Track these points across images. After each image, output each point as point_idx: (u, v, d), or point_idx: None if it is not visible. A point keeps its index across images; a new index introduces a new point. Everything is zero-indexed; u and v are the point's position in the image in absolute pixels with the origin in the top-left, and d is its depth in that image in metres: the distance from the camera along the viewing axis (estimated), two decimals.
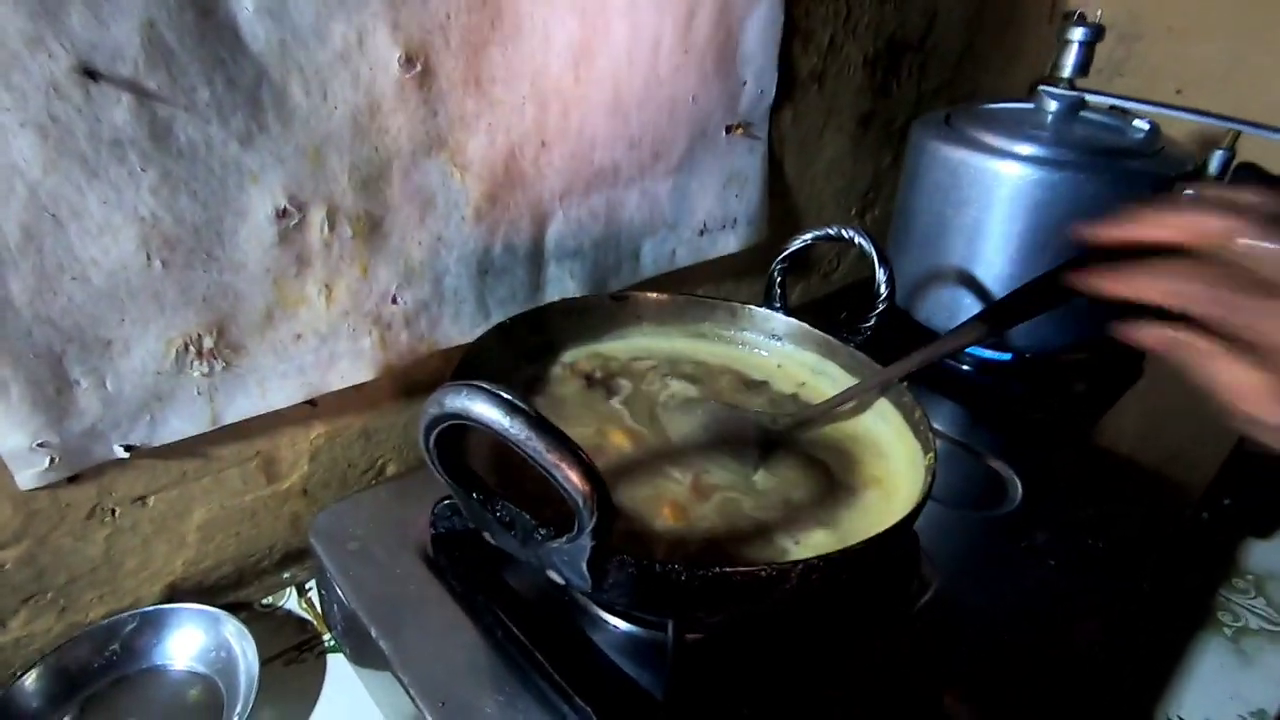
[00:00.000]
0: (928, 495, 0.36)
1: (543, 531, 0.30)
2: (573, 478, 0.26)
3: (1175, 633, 0.54)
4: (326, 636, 0.54)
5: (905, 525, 0.34)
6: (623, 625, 0.41)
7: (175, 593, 0.53)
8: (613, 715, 0.36)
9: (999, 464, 0.58)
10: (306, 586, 0.58)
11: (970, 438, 0.61)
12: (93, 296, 0.42)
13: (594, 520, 0.27)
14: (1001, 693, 0.41)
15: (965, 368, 0.72)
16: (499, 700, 0.38)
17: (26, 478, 0.44)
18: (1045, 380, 0.71)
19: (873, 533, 0.34)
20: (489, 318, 0.60)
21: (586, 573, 0.30)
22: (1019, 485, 0.55)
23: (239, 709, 0.46)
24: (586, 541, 0.28)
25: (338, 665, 0.52)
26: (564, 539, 0.29)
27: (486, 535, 0.34)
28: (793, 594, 0.32)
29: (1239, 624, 0.57)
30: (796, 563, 0.30)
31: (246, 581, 0.57)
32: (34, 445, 0.43)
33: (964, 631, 0.44)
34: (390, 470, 0.62)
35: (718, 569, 0.30)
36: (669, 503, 0.40)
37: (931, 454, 0.39)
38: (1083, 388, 0.71)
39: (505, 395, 0.26)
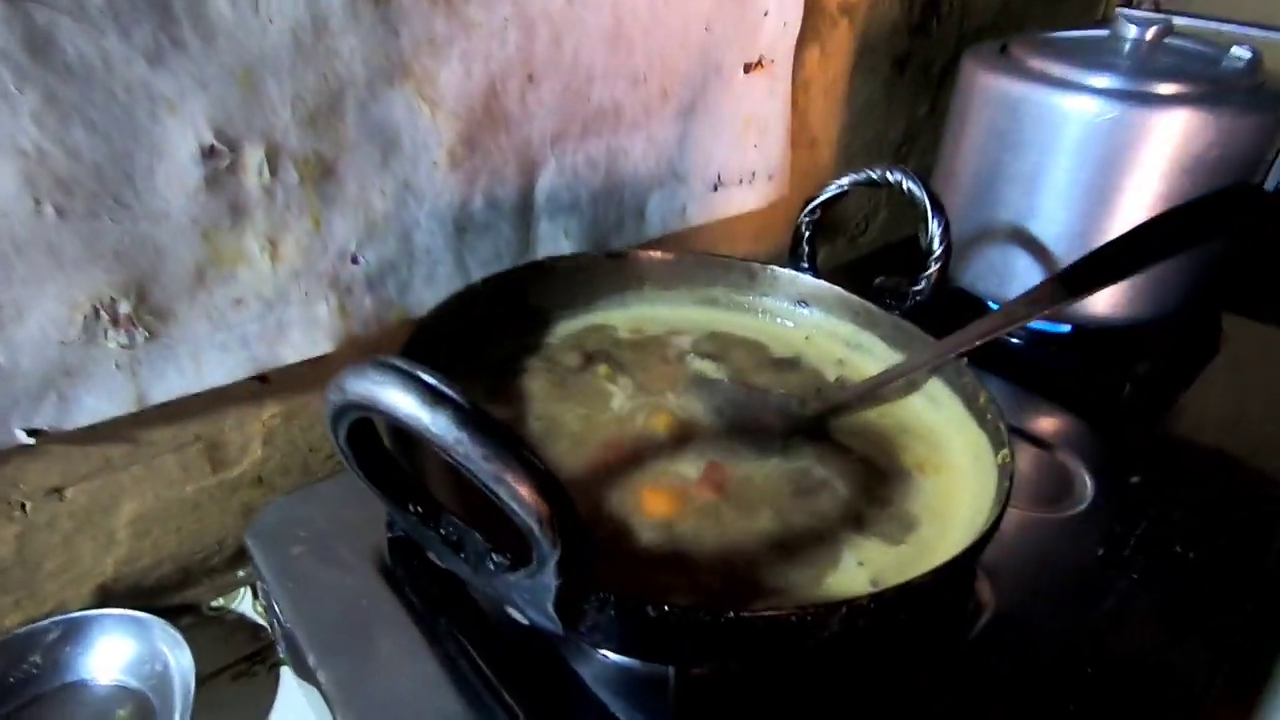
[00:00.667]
0: (1005, 505, 0.28)
1: (496, 559, 0.23)
2: (522, 494, 0.18)
3: (1275, 655, 0.46)
4: (281, 645, 0.47)
5: (979, 546, 0.26)
6: (614, 657, 0.33)
7: (108, 596, 0.47)
8: None
9: (1063, 454, 0.49)
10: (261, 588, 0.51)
11: (1025, 422, 0.52)
12: None
13: (558, 551, 0.19)
14: None
15: (1015, 340, 0.63)
16: None
17: None
18: (1108, 356, 0.62)
19: (927, 554, 0.26)
20: (470, 281, 0.52)
21: (554, 614, 0.22)
22: (1088, 481, 0.47)
23: None
24: (551, 579, 0.20)
25: (292, 680, 0.45)
26: (522, 572, 0.21)
27: (433, 558, 0.26)
28: (832, 640, 0.24)
29: None
30: (839, 604, 0.22)
31: (194, 581, 0.50)
32: None
33: (1030, 662, 0.36)
34: None
35: (731, 614, 0.22)
36: (671, 511, 0.32)
37: (1005, 450, 0.31)
38: (1150, 365, 0.62)
39: (427, 378, 0.18)
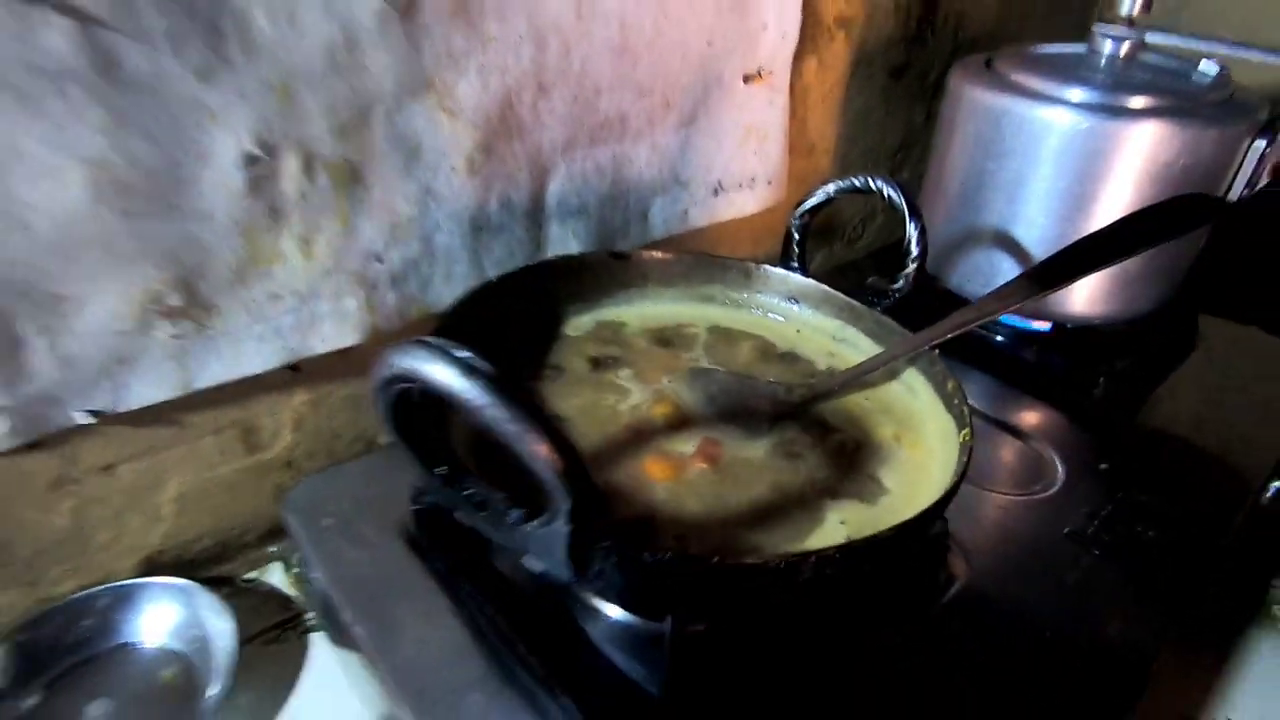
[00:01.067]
0: (963, 475, 0.31)
1: (515, 513, 0.26)
2: (540, 450, 0.22)
3: (1228, 629, 0.49)
4: (309, 615, 0.51)
5: (936, 510, 0.30)
6: (618, 614, 0.37)
7: (153, 567, 0.51)
8: (601, 714, 0.32)
9: (1038, 443, 0.52)
10: (293, 561, 0.55)
11: (1005, 414, 0.56)
12: (39, 247, 0.38)
13: (570, 500, 0.23)
14: (1035, 696, 0.37)
15: (999, 338, 0.67)
16: (481, 694, 0.35)
17: None
18: (1087, 353, 0.65)
19: (898, 518, 0.30)
20: (485, 279, 0.56)
21: (567, 561, 0.26)
22: (1059, 466, 0.50)
23: (214, 689, 0.43)
24: (562, 526, 0.24)
25: (321, 646, 0.49)
26: (537, 522, 0.25)
27: (459, 517, 0.30)
28: (806, 587, 0.27)
29: None
30: (809, 554, 0.26)
31: (229, 556, 0.54)
32: None
33: (994, 627, 0.39)
34: (382, 440, 0.59)
35: (717, 560, 0.26)
36: (669, 477, 0.36)
37: (967, 430, 0.34)
38: (1128, 362, 0.65)
39: (460, 354, 0.22)
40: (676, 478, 0.36)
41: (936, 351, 0.40)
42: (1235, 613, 0.51)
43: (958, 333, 0.39)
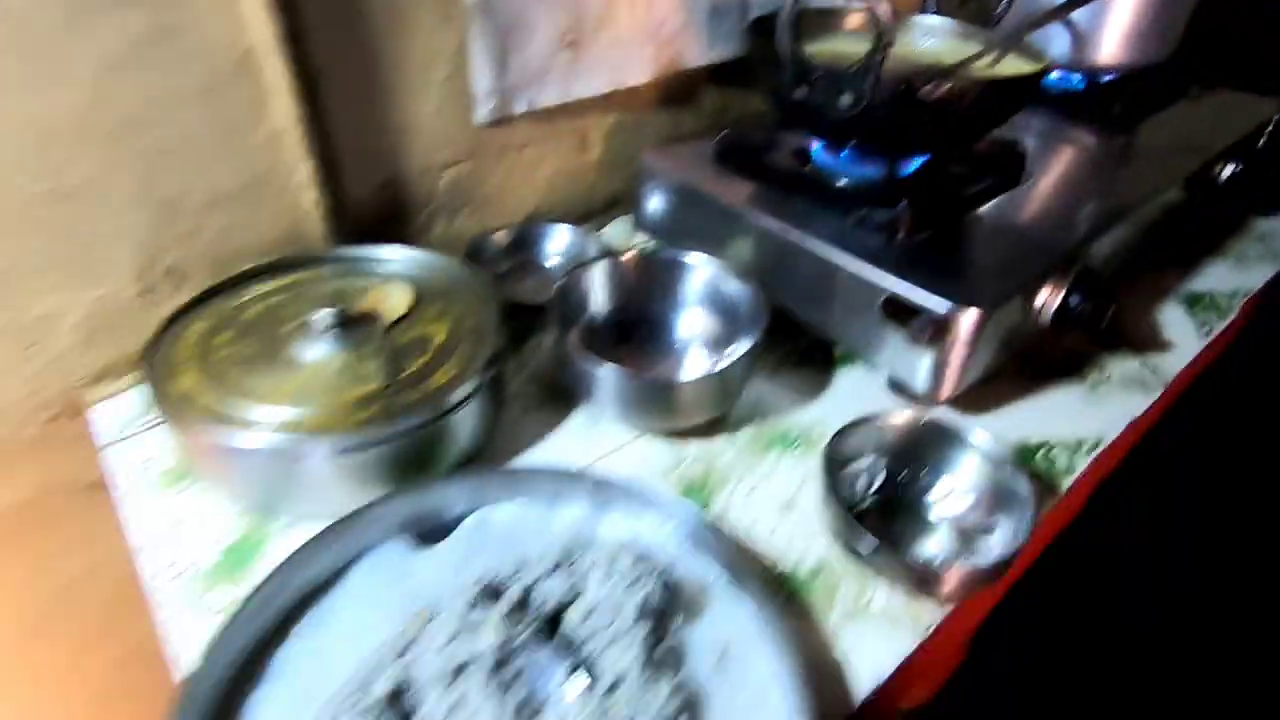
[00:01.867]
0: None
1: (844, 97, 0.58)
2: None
3: None
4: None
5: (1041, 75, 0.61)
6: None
7: (528, 221, 0.83)
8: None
9: (1074, 132, 0.83)
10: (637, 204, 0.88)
11: (1055, 137, 0.86)
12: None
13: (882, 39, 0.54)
14: None
15: (1052, 94, 0.96)
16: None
17: (480, 115, 0.73)
18: (1110, 96, 0.94)
19: None
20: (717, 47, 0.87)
21: (865, 89, 0.57)
22: (1092, 139, 0.81)
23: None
24: (875, 60, 0.55)
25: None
26: (849, 67, 0.57)
27: (797, 95, 0.61)
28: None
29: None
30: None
31: (577, 221, 0.87)
32: (488, 90, 0.72)
33: None
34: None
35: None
36: None
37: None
38: (1135, 100, 0.94)
39: None
40: None
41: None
42: None
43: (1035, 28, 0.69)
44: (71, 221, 0.54)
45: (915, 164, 0.67)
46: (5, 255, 0.53)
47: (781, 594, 0.48)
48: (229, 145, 0.59)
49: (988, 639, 0.82)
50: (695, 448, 0.59)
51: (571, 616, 0.43)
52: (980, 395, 0.62)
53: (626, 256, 0.66)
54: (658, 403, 0.56)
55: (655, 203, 0.75)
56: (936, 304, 0.54)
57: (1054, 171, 0.75)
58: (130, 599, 0.73)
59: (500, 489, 0.52)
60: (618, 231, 0.86)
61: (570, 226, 0.80)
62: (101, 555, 0.68)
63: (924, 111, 0.60)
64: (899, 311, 0.57)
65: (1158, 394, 0.65)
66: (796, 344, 0.68)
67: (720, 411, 0.59)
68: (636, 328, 0.66)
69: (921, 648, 0.46)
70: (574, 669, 0.41)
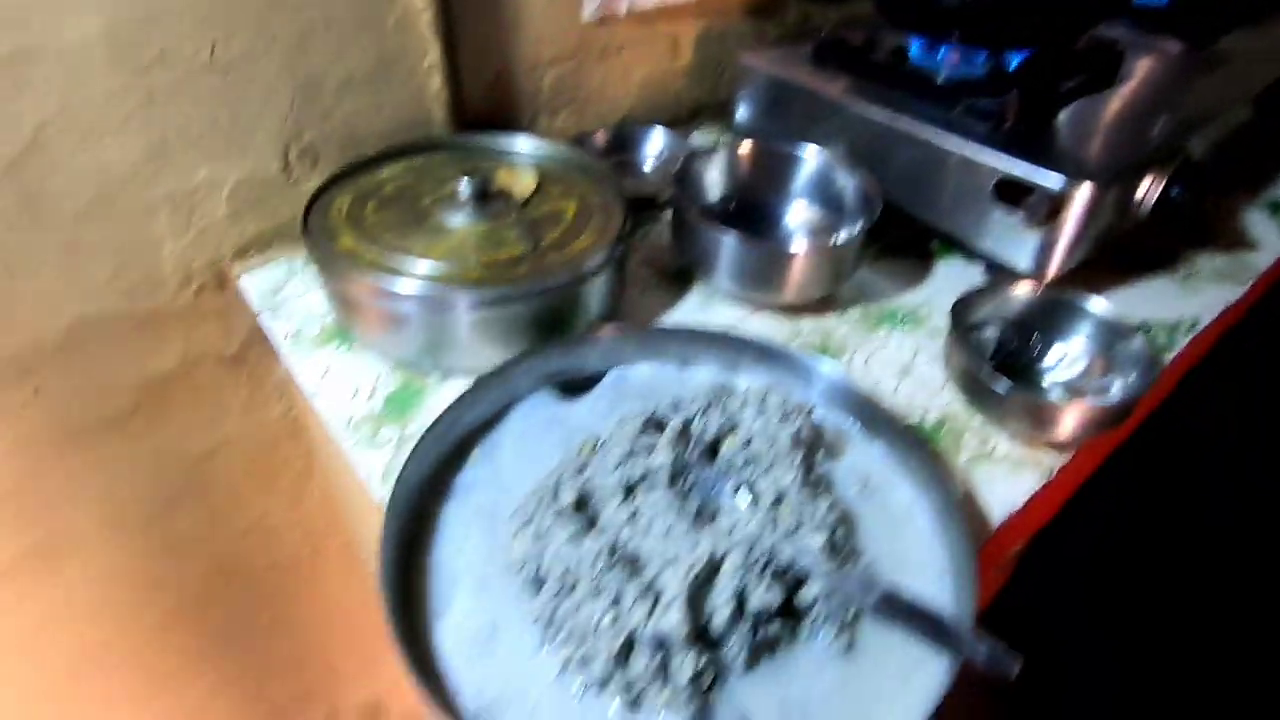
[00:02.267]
0: None
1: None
2: None
3: None
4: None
5: None
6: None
7: (622, 122, 0.85)
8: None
9: (1153, 39, 0.84)
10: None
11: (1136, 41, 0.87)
12: None
13: None
14: None
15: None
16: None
17: (588, 12, 0.75)
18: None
19: None
20: None
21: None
22: (1173, 47, 0.81)
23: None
24: None
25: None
26: None
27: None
28: None
29: None
30: None
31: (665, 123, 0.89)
32: None
33: None
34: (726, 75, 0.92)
35: None
36: None
37: None
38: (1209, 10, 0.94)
39: None
40: None
41: None
42: None
43: None
44: (228, 95, 0.57)
45: (1020, 57, 0.69)
46: (171, 123, 0.56)
47: (912, 438, 0.51)
48: (366, 26, 0.61)
49: (1069, 517, 0.84)
50: (809, 323, 0.62)
51: (730, 445, 0.46)
52: (1077, 282, 0.64)
53: (742, 147, 0.68)
54: (775, 273, 0.59)
55: (751, 103, 0.77)
56: (1053, 180, 0.56)
57: (1143, 77, 0.76)
58: (259, 472, 0.78)
59: (636, 349, 0.55)
60: (703, 140, 0.88)
61: (665, 129, 0.81)
62: (234, 430, 0.72)
63: (1030, 4, 0.62)
64: (1011, 192, 0.59)
65: (1248, 286, 0.67)
66: (893, 238, 0.70)
67: (831, 289, 0.62)
68: (746, 216, 0.69)
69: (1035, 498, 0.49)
70: (736, 489, 0.45)
